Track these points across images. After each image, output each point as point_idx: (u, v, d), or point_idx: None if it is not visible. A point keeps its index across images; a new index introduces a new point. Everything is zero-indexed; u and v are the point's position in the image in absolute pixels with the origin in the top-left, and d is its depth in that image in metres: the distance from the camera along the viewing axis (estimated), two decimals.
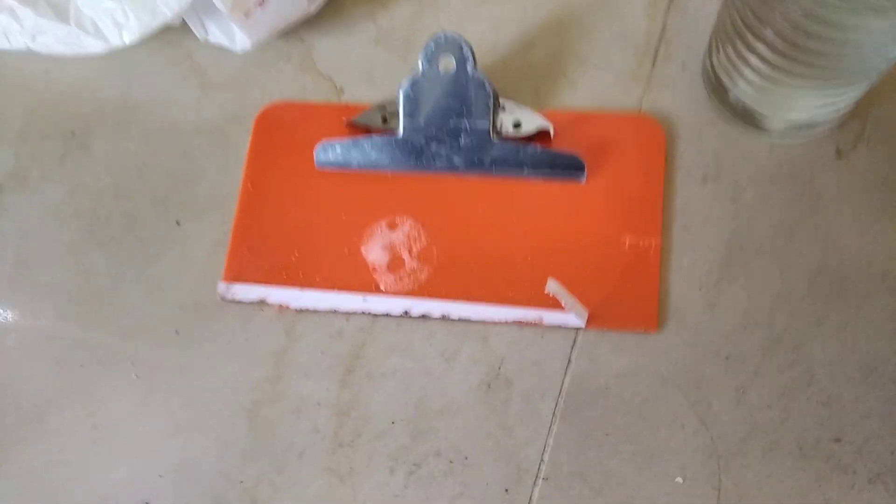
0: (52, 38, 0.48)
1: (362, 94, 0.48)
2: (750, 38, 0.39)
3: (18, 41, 0.48)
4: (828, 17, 0.34)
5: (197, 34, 0.49)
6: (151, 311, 0.45)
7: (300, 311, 0.44)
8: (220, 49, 0.49)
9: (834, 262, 0.42)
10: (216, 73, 0.49)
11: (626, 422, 0.40)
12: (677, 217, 0.43)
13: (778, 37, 0.37)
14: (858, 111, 0.44)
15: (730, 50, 0.41)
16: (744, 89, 0.42)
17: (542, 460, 0.40)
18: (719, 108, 0.44)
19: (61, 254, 0.46)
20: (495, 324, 0.42)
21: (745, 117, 0.43)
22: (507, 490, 0.40)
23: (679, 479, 0.39)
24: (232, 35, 0.47)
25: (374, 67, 0.48)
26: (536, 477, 0.40)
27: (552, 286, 0.39)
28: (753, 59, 0.40)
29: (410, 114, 0.44)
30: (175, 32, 0.49)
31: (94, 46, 0.47)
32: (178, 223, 0.46)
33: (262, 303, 0.44)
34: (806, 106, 0.41)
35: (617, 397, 0.41)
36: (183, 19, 0.48)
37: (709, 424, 0.40)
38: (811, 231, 0.42)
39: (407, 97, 0.44)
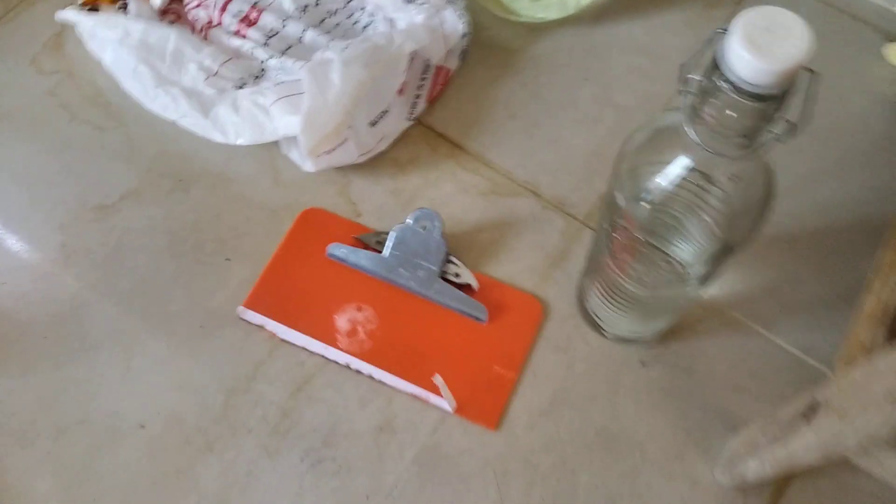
0: (191, 122, 0.64)
1: (371, 221, 0.64)
2: (593, 274, 0.56)
3: (171, 115, 0.65)
4: (626, 289, 0.51)
5: (282, 149, 0.66)
6: (190, 307, 0.60)
7: (283, 341, 0.59)
8: (294, 163, 0.66)
9: (614, 427, 0.57)
10: (285, 175, 0.66)
11: (453, 481, 0.55)
12: (531, 366, 0.59)
13: (603, 284, 0.54)
14: (663, 341, 0.60)
15: (587, 276, 0.57)
16: (593, 302, 0.58)
17: (395, 486, 0.55)
18: (580, 309, 0.61)
19: (145, 253, 0.62)
20: (399, 392, 0.58)
21: (592, 321, 0.60)
22: (367, 496, 0.54)
23: None
24: (304, 161, 0.64)
25: (384, 208, 0.65)
26: (388, 494, 0.54)
27: (438, 380, 0.55)
28: (596, 288, 0.56)
29: (394, 245, 0.61)
30: (270, 143, 0.66)
31: (216, 137, 0.64)
32: (227, 259, 0.62)
33: (261, 327, 0.59)
34: (625, 325, 0.58)
35: (454, 464, 0.55)
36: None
37: (503, 499, 0.55)
38: (607, 403, 0.58)
39: (396, 235, 0.60)
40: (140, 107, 0.66)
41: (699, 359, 0.59)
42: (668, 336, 0.60)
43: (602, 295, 0.55)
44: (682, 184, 0.40)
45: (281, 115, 0.59)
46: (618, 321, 0.57)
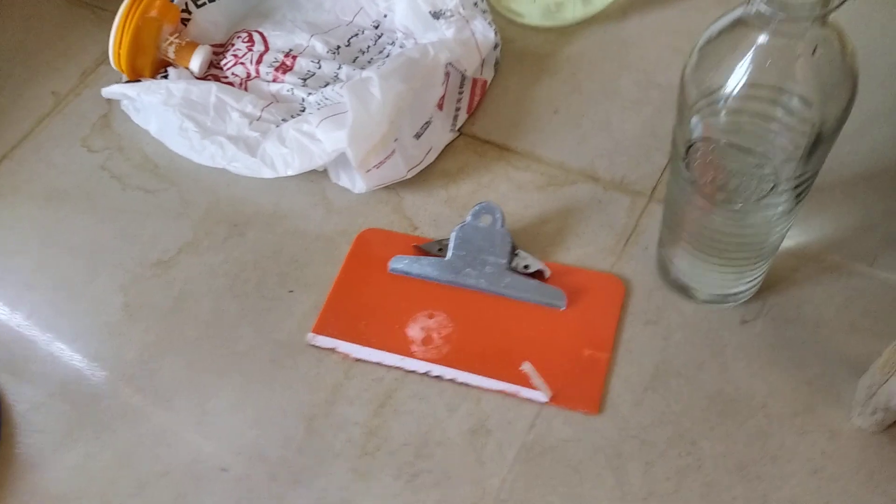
0: (241, 165, 0.65)
1: (429, 232, 0.62)
2: (676, 233, 0.53)
3: (220, 163, 0.66)
4: (715, 227, 0.48)
5: (331, 177, 0.65)
6: (259, 343, 0.58)
7: (357, 360, 0.56)
8: (344, 189, 0.65)
9: (728, 389, 0.52)
10: (337, 203, 0.65)
11: (566, 473, 0.50)
12: (624, 344, 0.55)
13: (690, 235, 0.51)
14: (759, 296, 0.56)
15: (668, 240, 0.54)
16: (678, 267, 0.55)
17: (501, 488, 0.50)
18: (664, 279, 0.57)
19: (208, 299, 0.61)
20: (487, 391, 0.54)
21: (679, 288, 0.56)
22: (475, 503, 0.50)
23: None
24: (354, 182, 0.64)
25: (440, 218, 0.63)
26: (496, 498, 0.50)
27: (527, 367, 0.51)
28: (680, 247, 0.53)
29: (457, 246, 0.59)
30: (317, 175, 0.66)
31: (266, 173, 0.64)
32: (290, 291, 0.61)
33: (333, 350, 0.57)
34: (719, 283, 0.54)
35: (562, 455, 0.51)
36: (325, 168, 0.65)
37: (622, 484, 0.49)
38: (715, 367, 0.53)
39: (457, 235, 0.59)
40: (188, 165, 0.67)
41: (804, 307, 0.55)
42: (764, 291, 0.56)
43: (690, 249, 0.52)
44: (757, 75, 0.38)
45: (327, 133, 0.59)
46: (709, 278, 0.53)
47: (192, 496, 0.52)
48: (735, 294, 0.55)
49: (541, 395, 0.53)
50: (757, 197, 0.43)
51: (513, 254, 0.58)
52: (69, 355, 0.59)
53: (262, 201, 0.66)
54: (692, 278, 0.54)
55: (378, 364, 0.56)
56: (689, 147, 0.42)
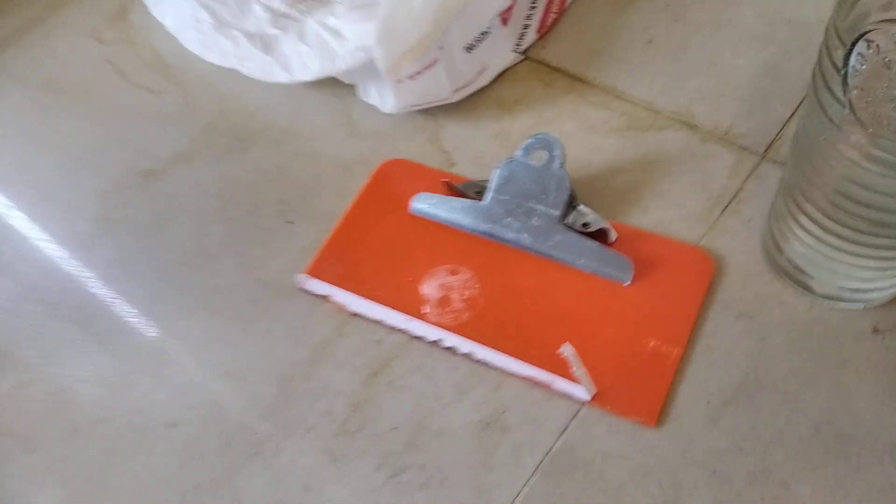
0: (253, 65, 0.54)
1: (470, 172, 0.50)
2: (797, 204, 0.38)
3: (231, 62, 0.55)
4: (869, 183, 0.34)
5: (359, 93, 0.53)
6: (242, 279, 0.47)
7: (354, 315, 0.44)
8: (372, 109, 0.53)
9: (844, 420, 0.38)
10: (363, 126, 0.53)
11: (600, 499, 0.37)
12: (704, 339, 0.41)
13: (824, 199, 0.37)
14: None
15: (785, 210, 0.40)
16: (795, 248, 0.40)
17: (510, 503, 0.37)
18: (771, 261, 0.43)
19: (192, 220, 0.50)
20: (511, 375, 0.41)
21: (793, 275, 0.42)
22: None
23: None
24: (385, 99, 0.52)
25: (485, 155, 0.50)
26: None
27: (568, 350, 0.38)
28: (801, 226, 0.39)
29: (498, 188, 0.46)
30: (343, 88, 0.54)
31: (280, 76, 0.52)
32: (289, 222, 0.49)
33: (326, 299, 0.45)
34: (851, 275, 0.39)
35: (598, 474, 0.38)
36: (351, 82, 0.53)
37: None
38: (828, 387, 0.39)
39: (500, 174, 0.46)
40: (201, 66, 0.57)
41: None
42: None
43: (818, 221, 0.37)
44: None
45: (353, 26, 0.47)
46: (838, 265, 0.39)
47: (128, 451, 0.41)
48: (869, 292, 0.40)
49: (581, 391, 0.39)
50: None
51: (570, 206, 0.45)
52: (31, 265, 0.49)
53: (276, 115, 0.55)
54: (813, 263, 0.40)
55: (378, 323, 0.44)
56: (855, 43, 0.28)
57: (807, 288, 0.41)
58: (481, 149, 0.51)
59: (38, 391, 0.44)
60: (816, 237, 0.38)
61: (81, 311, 0.47)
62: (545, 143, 0.45)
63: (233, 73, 0.56)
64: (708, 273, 0.43)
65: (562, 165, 0.44)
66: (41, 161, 0.55)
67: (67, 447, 0.41)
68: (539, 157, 0.45)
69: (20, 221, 0.51)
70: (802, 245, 0.39)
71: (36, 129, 0.56)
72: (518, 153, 0.45)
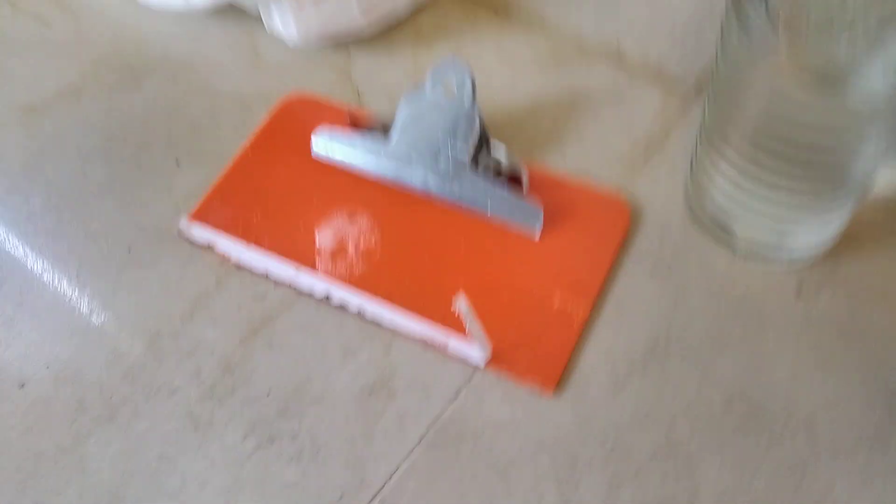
0: None
1: (380, 108, 0.45)
2: (720, 142, 0.34)
3: None
4: (792, 109, 0.29)
5: (265, 21, 0.48)
6: (118, 223, 0.42)
7: (238, 268, 0.40)
8: (280, 42, 0.48)
9: (758, 393, 0.34)
10: (267, 58, 0.48)
11: (487, 475, 0.33)
12: (615, 296, 0.37)
13: (745, 140, 0.32)
14: (831, 257, 0.37)
15: (704, 155, 0.36)
16: (715, 197, 0.36)
17: (388, 480, 0.33)
18: (692, 212, 0.39)
19: (71, 160, 0.45)
20: (403, 336, 0.37)
21: (714, 228, 0.37)
22: (341, 496, 0.33)
23: None
24: (289, 27, 0.46)
25: (398, 90, 0.45)
26: (375, 495, 0.33)
27: (462, 304, 0.34)
28: (724, 166, 0.34)
29: (403, 126, 0.41)
30: (248, 19, 0.48)
31: (177, 3, 0.47)
32: (177, 162, 0.44)
33: (209, 248, 0.41)
34: (773, 227, 0.35)
35: (487, 447, 0.34)
36: (255, 11, 0.48)
37: None
38: (744, 355, 0.35)
39: (406, 111, 0.41)
40: None
41: (893, 282, 0.35)
42: (838, 251, 0.37)
43: (738, 161, 0.33)
44: None
45: None
46: (760, 215, 0.35)
47: None
48: (793, 250, 0.36)
49: (476, 354, 0.35)
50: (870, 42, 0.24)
51: (481, 147, 0.40)
52: None
53: (173, 48, 0.49)
54: (734, 214, 0.36)
55: (264, 276, 0.39)
56: None
57: (727, 244, 0.37)
58: (395, 83, 0.46)
59: None
60: (737, 184, 0.34)
61: None
62: (454, 69, 0.40)
63: (129, 2, 0.50)
64: (624, 223, 0.39)
65: (473, 99, 0.40)
66: None
67: None
68: (448, 89, 0.40)
69: None
70: (723, 194, 0.35)
71: None
72: (426, 84, 0.40)
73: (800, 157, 0.30)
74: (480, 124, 0.40)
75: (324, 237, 0.40)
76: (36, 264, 0.41)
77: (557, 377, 0.35)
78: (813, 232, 0.35)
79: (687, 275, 0.37)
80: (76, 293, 0.40)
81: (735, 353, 0.35)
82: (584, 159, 0.41)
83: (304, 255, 0.40)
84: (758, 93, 0.30)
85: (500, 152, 0.40)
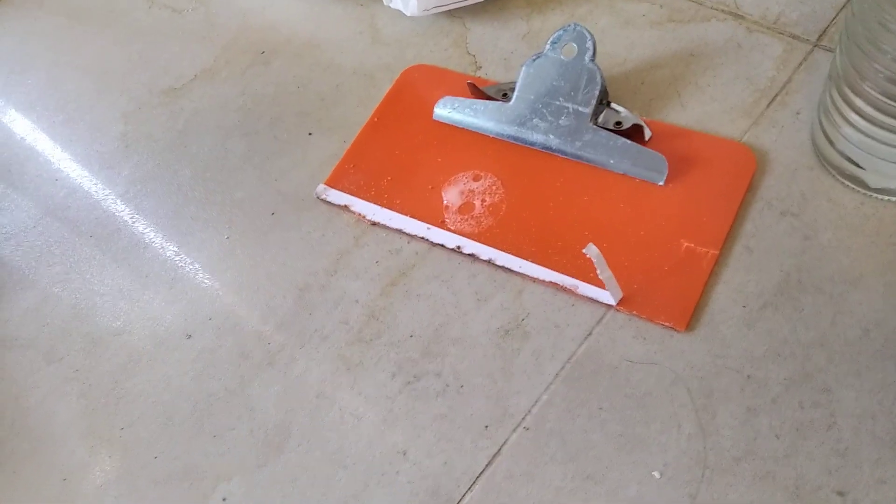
0: None
1: (496, 75, 0.48)
2: (851, 90, 0.36)
3: None
4: None
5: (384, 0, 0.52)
6: (261, 191, 0.47)
7: (373, 224, 0.44)
8: (397, 15, 0.52)
9: (895, 322, 0.35)
10: (387, 33, 0.52)
11: (625, 404, 0.36)
12: (743, 238, 0.39)
13: (875, 89, 0.34)
14: None
15: (836, 100, 0.37)
16: (846, 140, 0.37)
17: (529, 411, 0.36)
18: (820, 155, 0.40)
19: (213, 135, 0.50)
20: (533, 281, 0.40)
21: (845, 168, 0.39)
22: (486, 426, 0.36)
23: (656, 474, 0.34)
24: (408, 1, 0.50)
25: (514, 57, 0.49)
26: (519, 424, 0.36)
27: (592, 251, 0.36)
28: (855, 111, 0.36)
29: (525, 87, 0.44)
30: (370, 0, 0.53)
31: None
32: (310, 134, 0.49)
33: (346, 208, 0.45)
34: None
35: (624, 379, 0.36)
36: None
37: (707, 433, 0.34)
38: (879, 287, 0.36)
39: (527, 72, 0.44)
40: None
41: None
42: None
43: (875, 105, 0.34)
44: None
45: None
46: (889, 155, 0.36)
47: (145, 362, 0.42)
48: None
49: (606, 295, 0.38)
50: None
51: (602, 103, 0.43)
52: (54, 185, 0.50)
53: (297, 28, 0.54)
54: (867, 154, 0.37)
55: (398, 232, 0.43)
56: None
57: (859, 182, 0.38)
58: (510, 50, 0.49)
59: (61, 306, 0.45)
60: (873, 121, 0.35)
61: (103, 229, 0.48)
62: (575, 35, 0.43)
63: None
64: (750, 170, 0.40)
65: (593, 58, 0.42)
66: (66, 85, 0.56)
67: (87, 358, 0.43)
68: (569, 51, 0.43)
69: (44, 144, 0.52)
70: (857, 133, 0.37)
71: (60, 54, 0.57)
72: (546, 47, 0.43)
73: None
74: (600, 79, 0.42)
75: (450, 195, 0.44)
76: (190, 230, 0.46)
77: (689, 315, 0.37)
78: None
79: (816, 214, 0.38)
80: (228, 254, 0.45)
81: (869, 285, 0.36)
82: (705, 111, 0.43)
83: (433, 213, 0.43)
84: (889, 44, 0.31)
85: (619, 108, 0.43)
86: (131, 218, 0.48)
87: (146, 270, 0.45)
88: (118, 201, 0.49)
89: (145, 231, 0.47)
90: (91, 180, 0.50)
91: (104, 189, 0.49)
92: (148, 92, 0.54)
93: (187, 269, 0.45)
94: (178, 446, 0.39)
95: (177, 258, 0.45)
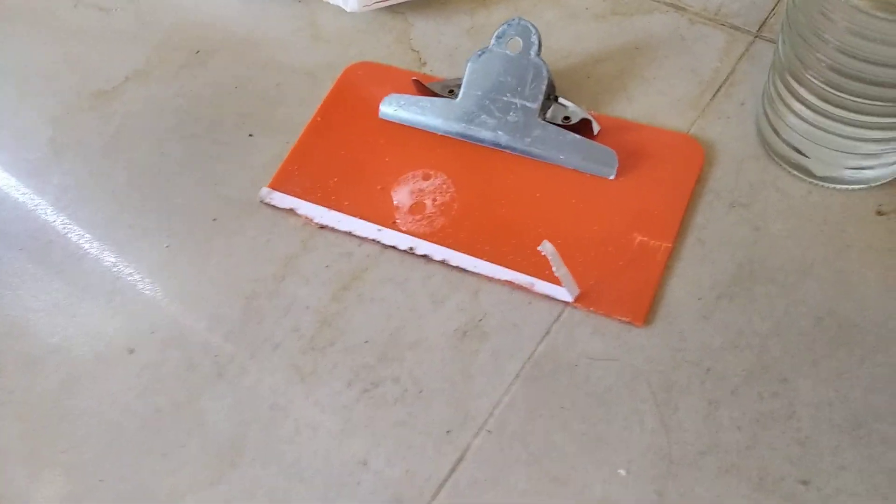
0: None
1: (442, 71, 0.47)
2: (795, 79, 0.35)
3: None
4: (867, 45, 0.30)
5: None
6: (201, 196, 0.44)
7: (322, 227, 0.42)
8: (338, 11, 0.50)
9: (846, 309, 0.35)
10: (328, 30, 0.50)
11: (586, 403, 0.35)
12: (695, 231, 0.38)
13: (818, 78, 0.34)
14: None
15: (780, 90, 0.37)
16: (791, 130, 0.37)
17: (491, 414, 0.35)
18: (766, 145, 0.40)
19: (148, 139, 0.47)
20: (489, 280, 0.39)
21: (790, 158, 0.39)
22: (448, 431, 0.35)
23: (622, 472, 0.33)
24: None
25: (459, 53, 0.47)
26: (481, 427, 0.35)
27: (547, 248, 0.35)
28: (799, 100, 0.36)
29: (471, 83, 0.42)
30: None
31: None
32: (250, 135, 0.46)
33: (291, 212, 0.43)
34: (852, 151, 0.36)
35: (584, 377, 0.36)
36: None
37: (670, 428, 0.34)
38: (830, 275, 0.36)
39: (472, 67, 0.43)
40: None
41: None
42: None
43: (818, 93, 0.34)
44: None
45: None
46: (839, 143, 0.36)
47: (86, 379, 0.39)
48: (871, 169, 0.37)
49: (563, 292, 0.37)
50: None
51: (549, 98, 0.42)
52: None
53: (235, 25, 0.51)
54: (811, 142, 0.37)
55: (348, 234, 0.41)
56: None
57: (805, 171, 0.38)
58: (454, 45, 0.47)
59: None
60: (816, 111, 0.35)
61: (34, 241, 0.44)
62: (520, 29, 0.42)
63: None
64: (698, 162, 0.40)
65: (539, 53, 0.41)
66: None
67: (23, 379, 0.40)
68: (514, 46, 0.42)
69: None
70: (801, 123, 0.36)
71: None
72: (491, 42, 0.42)
73: (881, 79, 0.31)
74: (547, 74, 0.41)
75: (400, 195, 0.42)
76: (128, 239, 0.43)
77: (646, 309, 0.36)
78: (892, 154, 0.36)
79: (765, 204, 0.38)
80: (170, 263, 0.42)
81: (820, 274, 0.36)
82: (651, 104, 0.43)
83: (383, 214, 0.41)
84: (838, 17, 0.31)
85: (567, 103, 0.42)
86: (64, 228, 0.45)
87: (83, 283, 0.42)
88: (49, 211, 0.45)
89: (80, 242, 0.44)
90: (19, 190, 0.47)
91: (34, 199, 0.46)
92: (77, 95, 0.50)
93: (127, 280, 0.42)
94: (125, 467, 0.36)
95: (115, 269, 0.42)
